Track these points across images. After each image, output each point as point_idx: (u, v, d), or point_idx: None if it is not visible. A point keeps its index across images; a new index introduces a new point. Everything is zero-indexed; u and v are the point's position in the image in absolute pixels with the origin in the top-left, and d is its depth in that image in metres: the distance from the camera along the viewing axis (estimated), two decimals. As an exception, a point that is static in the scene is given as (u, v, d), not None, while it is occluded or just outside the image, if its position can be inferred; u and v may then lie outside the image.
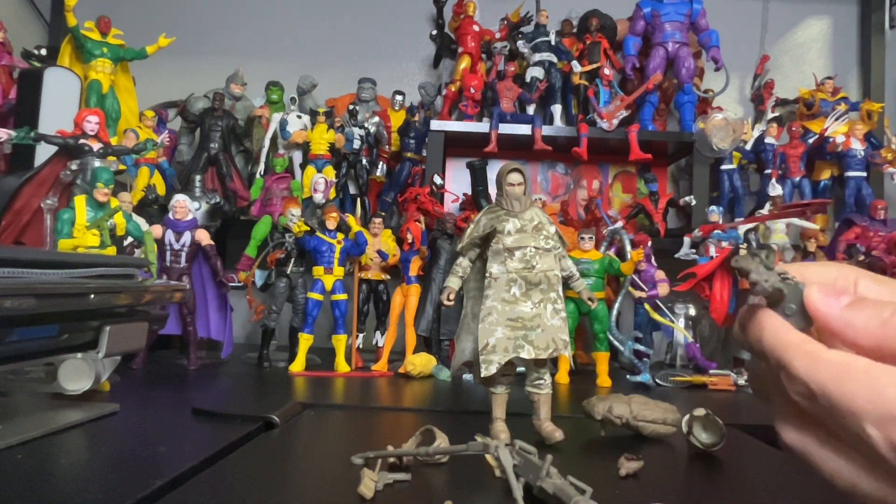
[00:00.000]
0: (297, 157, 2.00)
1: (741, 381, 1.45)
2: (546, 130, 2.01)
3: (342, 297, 1.62)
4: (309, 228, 1.60)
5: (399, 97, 2.15)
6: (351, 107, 2.11)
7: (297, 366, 1.55)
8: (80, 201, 1.38)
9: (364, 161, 2.09)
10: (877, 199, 1.96)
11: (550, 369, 0.93)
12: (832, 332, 0.33)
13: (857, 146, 2.04)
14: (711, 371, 1.52)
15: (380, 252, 1.67)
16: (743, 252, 0.34)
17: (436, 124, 2.03)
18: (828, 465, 0.33)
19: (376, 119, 2.09)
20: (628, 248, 1.63)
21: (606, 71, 2.06)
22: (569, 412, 1.13)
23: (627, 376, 1.54)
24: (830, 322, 0.33)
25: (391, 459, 0.74)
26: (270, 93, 2.12)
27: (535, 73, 2.07)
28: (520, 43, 2.13)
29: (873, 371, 0.30)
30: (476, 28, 2.13)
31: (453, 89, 2.11)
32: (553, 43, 2.12)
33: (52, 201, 1.55)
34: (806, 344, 0.32)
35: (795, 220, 1.86)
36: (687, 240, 1.85)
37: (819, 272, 0.38)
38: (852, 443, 0.30)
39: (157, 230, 1.55)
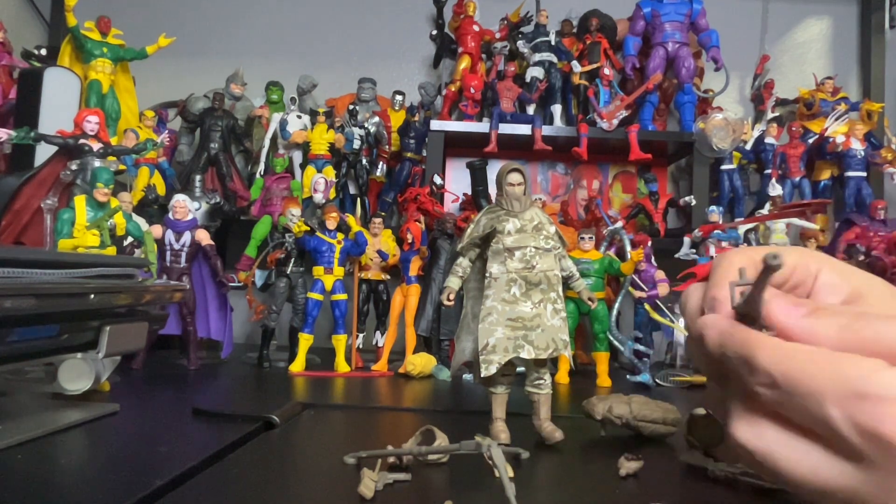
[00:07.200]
0: (297, 157, 2.00)
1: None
2: (546, 130, 2.01)
3: (342, 297, 1.62)
4: (309, 228, 1.60)
5: (399, 97, 2.15)
6: (351, 107, 2.11)
7: (297, 366, 1.55)
8: (80, 201, 1.38)
9: (364, 161, 2.09)
10: (877, 199, 1.96)
11: (550, 369, 0.93)
12: (794, 340, 0.34)
13: (857, 146, 2.04)
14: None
15: (380, 252, 1.67)
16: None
17: (436, 124, 2.03)
18: (785, 457, 0.33)
19: (376, 119, 2.09)
20: (628, 248, 1.63)
21: (606, 71, 2.06)
22: (569, 412, 1.13)
23: (627, 376, 1.54)
24: (792, 331, 0.34)
25: (391, 459, 0.74)
26: (270, 93, 2.12)
27: (535, 73, 2.06)
28: (520, 43, 2.13)
29: (833, 354, 0.31)
30: (476, 28, 2.13)
31: (453, 89, 2.11)
32: (553, 43, 2.12)
33: (52, 201, 1.55)
34: (767, 338, 0.34)
35: (795, 220, 1.86)
36: (687, 240, 1.85)
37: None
38: (812, 427, 0.31)
39: (157, 230, 1.55)
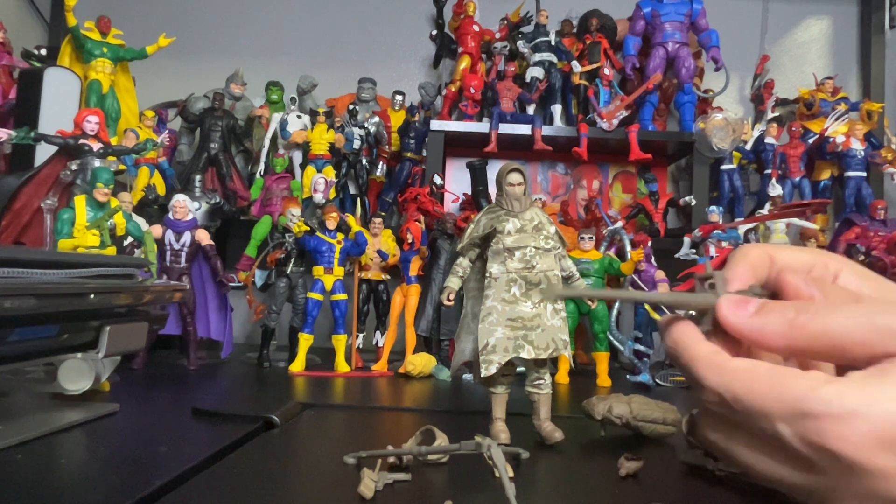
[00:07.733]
0: (297, 157, 2.00)
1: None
2: (546, 130, 2.01)
3: (342, 297, 1.62)
4: (309, 228, 1.60)
5: (399, 97, 2.15)
6: (351, 107, 2.11)
7: (297, 366, 1.55)
8: (80, 201, 1.38)
9: (364, 161, 2.09)
10: (877, 199, 1.96)
11: (550, 369, 0.93)
12: (745, 341, 0.34)
13: (857, 146, 2.04)
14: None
15: (380, 252, 1.67)
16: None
17: (436, 124, 2.03)
18: (747, 460, 0.34)
19: (376, 119, 2.09)
20: (628, 248, 1.63)
21: (606, 71, 2.06)
22: (569, 412, 1.13)
23: (627, 376, 1.54)
24: (741, 331, 0.34)
25: (391, 459, 0.74)
26: (270, 93, 2.12)
27: (535, 73, 2.06)
28: (520, 43, 2.13)
29: (776, 373, 0.31)
30: (476, 28, 2.13)
31: (453, 89, 2.10)
32: (553, 43, 2.12)
33: (52, 201, 1.55)
34: (713, 356, 0.34)
35: (795, 220, 1.86)
36: (687, 240, 1.85)
37: (792, 257, 0.39)
38: (766, 439, 0.32)
39: (157, 230, 1.55)
